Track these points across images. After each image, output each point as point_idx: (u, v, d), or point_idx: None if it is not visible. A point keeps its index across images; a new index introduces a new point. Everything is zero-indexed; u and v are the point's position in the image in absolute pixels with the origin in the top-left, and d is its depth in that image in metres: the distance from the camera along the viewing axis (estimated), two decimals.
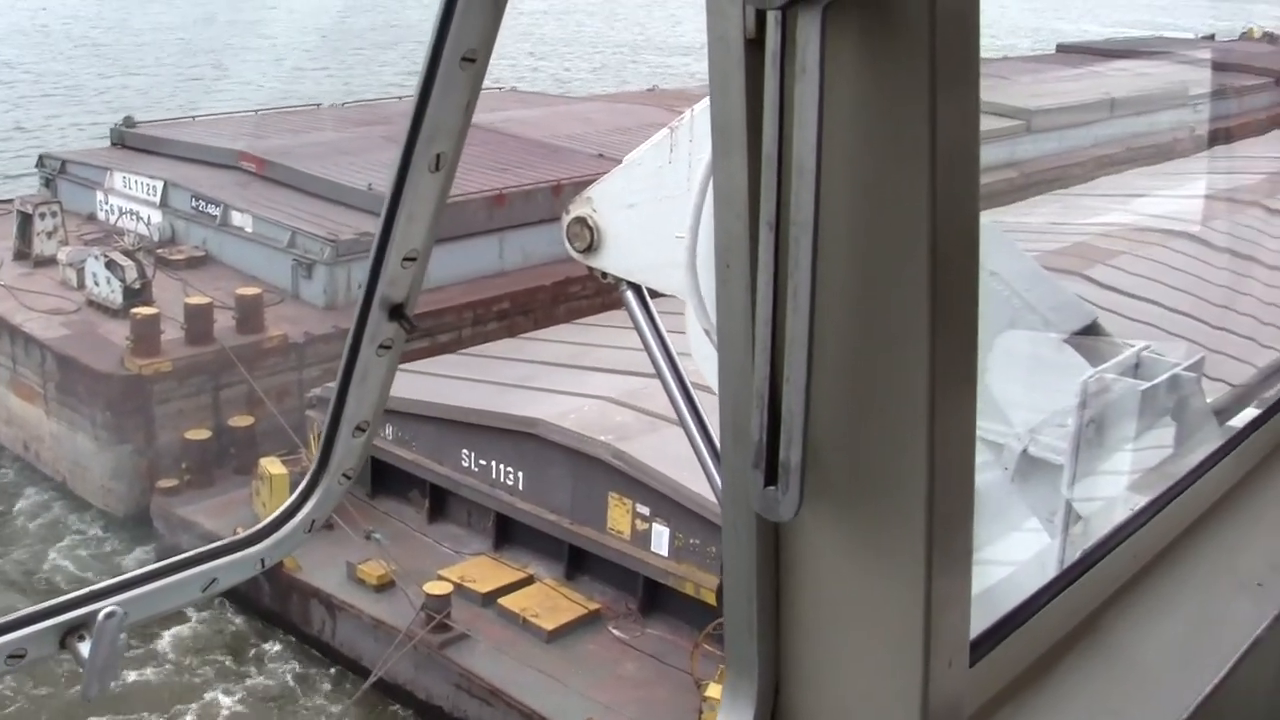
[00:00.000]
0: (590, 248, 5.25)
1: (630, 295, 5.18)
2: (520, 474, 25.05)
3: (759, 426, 1.85)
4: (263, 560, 2.65)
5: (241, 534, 2.65)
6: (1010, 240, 3.95)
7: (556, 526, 24.27)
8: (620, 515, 23.29)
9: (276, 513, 2.70)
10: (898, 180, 1.78)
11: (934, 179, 1.75)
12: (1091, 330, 3.84)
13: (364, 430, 2.72)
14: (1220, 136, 43.01)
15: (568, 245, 5.36)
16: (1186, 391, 3.64)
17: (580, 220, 5.24)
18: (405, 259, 2.55)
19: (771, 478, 1.85)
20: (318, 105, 48.28)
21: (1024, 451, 4.00)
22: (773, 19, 1.74)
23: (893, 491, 1.90)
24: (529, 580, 24.33)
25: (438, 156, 2.44)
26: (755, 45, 1.78)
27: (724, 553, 2.05)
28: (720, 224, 1.90)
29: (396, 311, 2.59)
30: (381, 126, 40.04)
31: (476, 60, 2.35)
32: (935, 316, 1.80)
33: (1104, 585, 2.88)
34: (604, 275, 5.36)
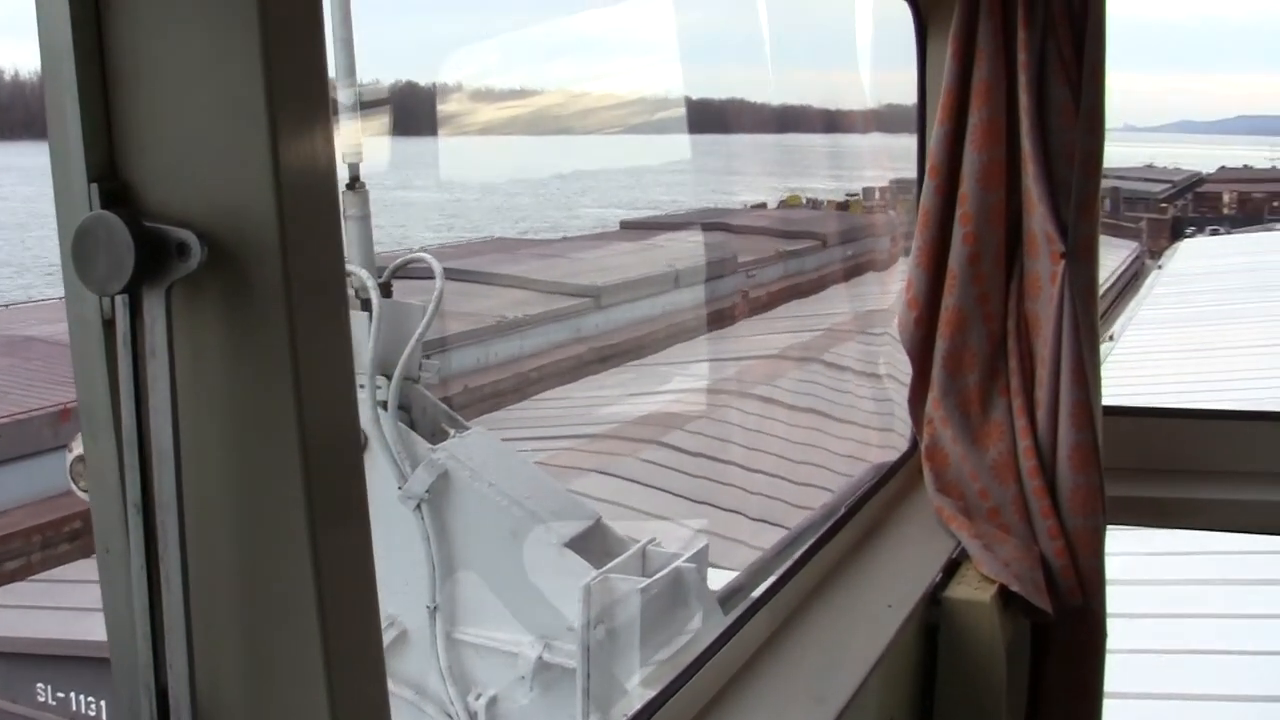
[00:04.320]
0: None
1: None
2: (103, 703, 23.73)
3: (149, 714, 1.76)
4: None
5: None
6: (509, 450, 3.97)
7: None
8: None
9: None
10: (268, 452, 1.73)
11: (305, 446, 1.71)
12: (596, 530, 3.89)
13: None
14: (778, 298, 45.33)
15: (72, 485, 5.13)
16: (688, 581, 3.70)
17: (83, 458, 5.02)
18: None
19: None
20: None
21: (539, 659, 3.99)
22: (120, 301, 1.69)
23: None
24: None
25: None
26: (112, 327, 1.73)
27: None
28: (96, 508, 1.81)
29: None
30: None
31: None
32: (321, 581, 1.75)
33: None
34: None
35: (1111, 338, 40.41)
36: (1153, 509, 5.40)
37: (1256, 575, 13.05)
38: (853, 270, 48.27)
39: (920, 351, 5.00)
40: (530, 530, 3.74)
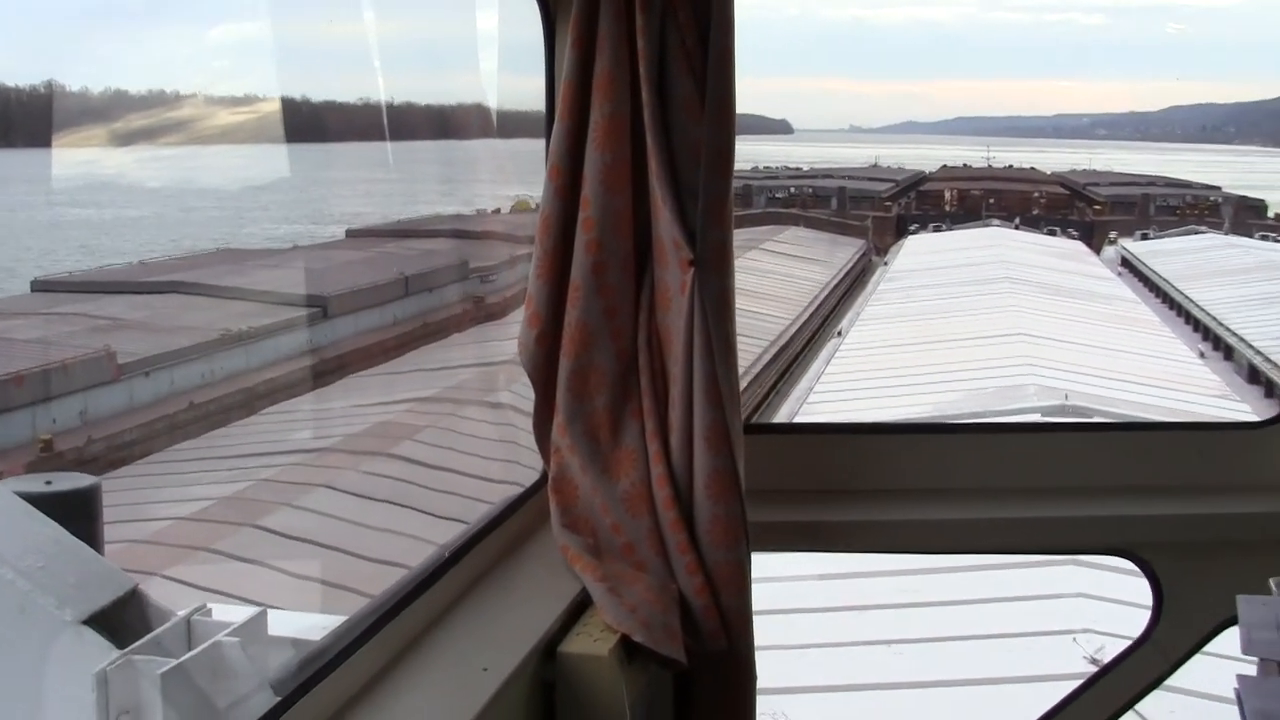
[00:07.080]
0: None
1: None
2: None
3: None
4: None
5: None
6: (24, 511, 3.38)
7: None
8: None
9: None
10: None
11: None
12: (131, 601, 3.32)
13: None
14: (513, 302, 44.96)
15: None
16: (229, 658, 3.17)
17: None
18: None
19: None
20: None
21: None
22: None
23: None
24: None
25: None
26: None
27: None
28: None
29: None
30: None
31: None
32: None
33: None
34: None
35: (840, 333, 41.17)
36: (802, 533, 5.01)
37: (911, 565, 13.20)
38: None
39: (543, 373, 4.50)
40: (41, 606, 3.17)
